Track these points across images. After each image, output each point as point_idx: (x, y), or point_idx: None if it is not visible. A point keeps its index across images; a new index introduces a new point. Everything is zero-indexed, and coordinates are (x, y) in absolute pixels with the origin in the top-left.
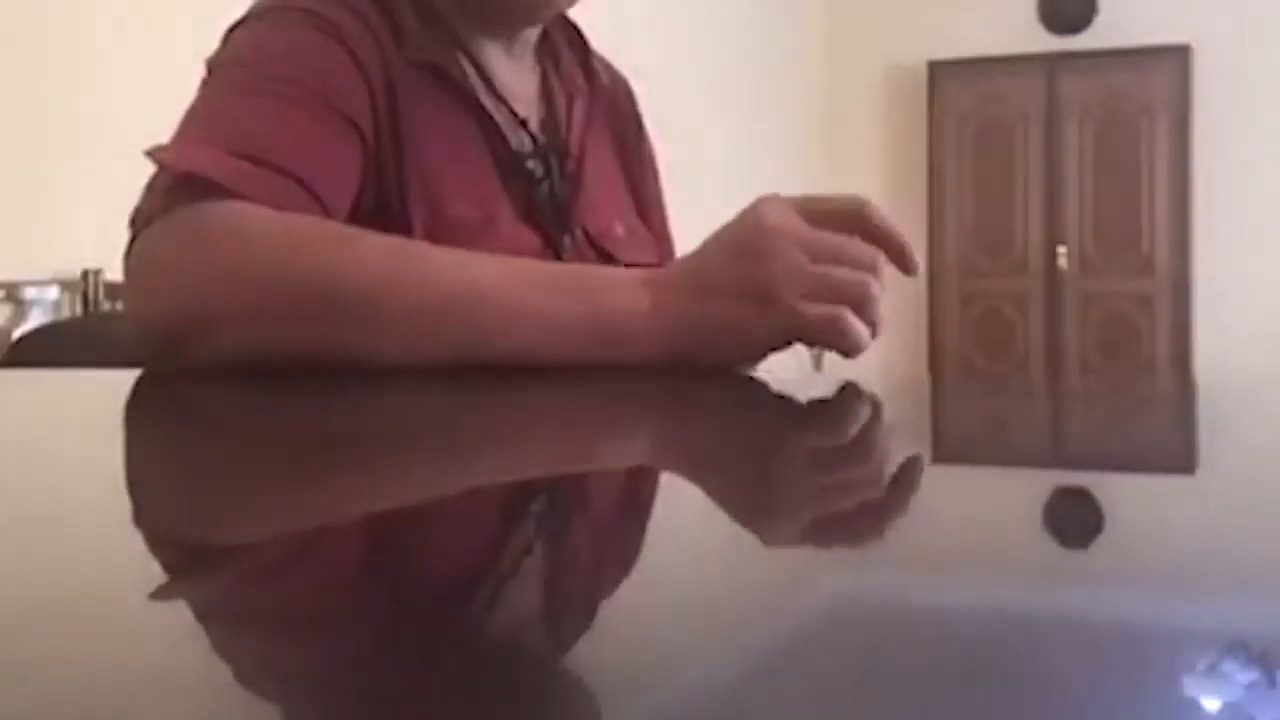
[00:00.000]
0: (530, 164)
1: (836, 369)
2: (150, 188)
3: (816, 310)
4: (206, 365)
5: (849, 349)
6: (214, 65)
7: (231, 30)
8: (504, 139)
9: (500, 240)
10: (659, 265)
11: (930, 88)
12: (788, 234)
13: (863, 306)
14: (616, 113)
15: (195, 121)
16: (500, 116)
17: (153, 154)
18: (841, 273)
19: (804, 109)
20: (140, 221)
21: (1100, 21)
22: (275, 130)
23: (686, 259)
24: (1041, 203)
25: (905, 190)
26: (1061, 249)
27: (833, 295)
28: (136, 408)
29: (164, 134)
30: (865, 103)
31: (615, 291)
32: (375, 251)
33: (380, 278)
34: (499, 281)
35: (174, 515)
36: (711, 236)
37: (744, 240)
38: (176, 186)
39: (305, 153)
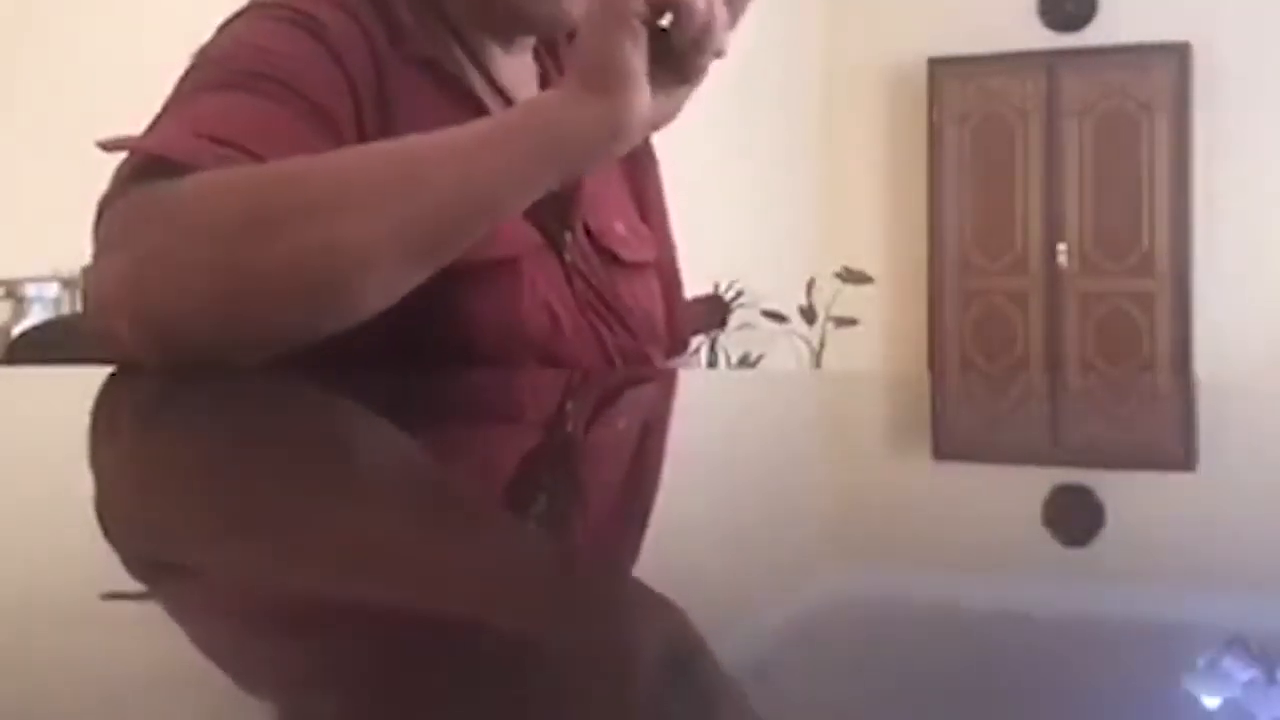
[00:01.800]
0: None
1: (836, 367)
2: (116, 173)
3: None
4: (190, 336)
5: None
6: (195, 60)
7: (223, 26)
8: None
9: (499, 236)
10: (660, 264)
11: (930, 84)
12: None
13: None
14: None
15: (165, 112)
16: (499, 111)
17: (107, 144)
18: None
19: (803, 105)
20: (100, 207)
21: (1100, 19)
22: (242, 118)
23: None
24: (1041, 200)
25: (905, 187)
26: (1061, 247)
27: None
28: (120, 405)
29: None
30: (865, 99)
31: (535, 105)
32: (319, 155)
33: (333, 166)
34: (437, 137)
35: (171, 514)
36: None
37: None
38: (138, 169)
39: (273, 140)
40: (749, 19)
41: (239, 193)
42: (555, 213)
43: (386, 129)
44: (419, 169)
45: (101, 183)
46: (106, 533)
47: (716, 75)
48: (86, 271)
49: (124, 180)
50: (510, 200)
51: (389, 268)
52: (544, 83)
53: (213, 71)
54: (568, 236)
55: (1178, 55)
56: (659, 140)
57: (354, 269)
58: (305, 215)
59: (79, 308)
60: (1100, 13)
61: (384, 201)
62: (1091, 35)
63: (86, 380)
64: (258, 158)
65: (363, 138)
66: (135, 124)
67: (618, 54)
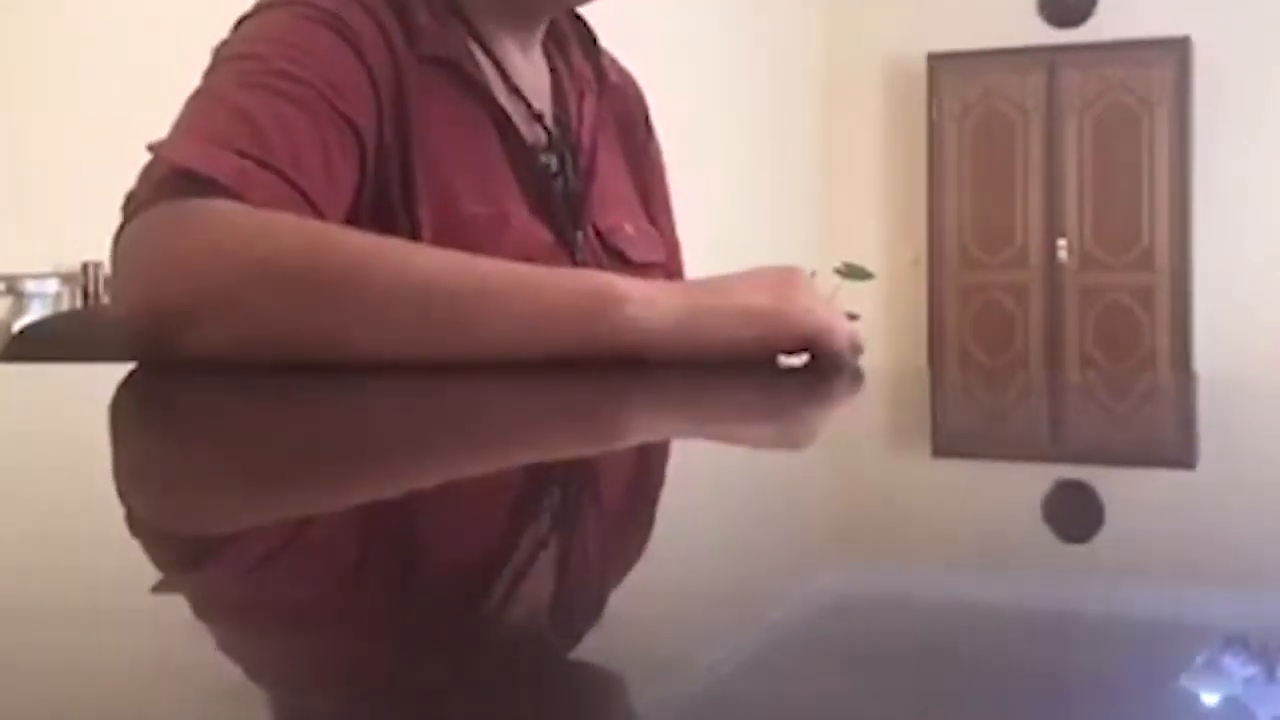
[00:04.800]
0: (545, 158)
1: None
2: (145, 174)
3: (830, 313)
4: (192, 359)
5: (843, 355)
6: (220, 55)
7: (241, 20)
8: (518, 133)
9: (513, 236)
10: (666, 265)
11: (930, 81)
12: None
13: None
14: (625, 111)
15: (196, 114)
16: (515, 110)
17: (154, 148)
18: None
19: (803, 102)
20: (132, 207)
21: (1100, 14)
22: (274, 131)
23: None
24: (1041, 196)
25: (905, 183)
26: (1061, 242)
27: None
28: (124, 403)
29: (163, 127)
30: (865, 96)
31: (600, 281)
32: (360, 241)
33: (364, 264)
34: (487, 269)
35: (171, 511)
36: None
37: (769, 267)
38: (172, 177)
39: (302, 156)
40: (750, 16)
41: (302, 261)
42: (567, 213)
43: (403, 130)
44: (472, 313)
45: (103, 180)
46: (106, 529)
47: (718, 71)
48: (116, 271)
49: (157, 184)
50: (544, 358)
51: (406, 361)
52: (555, 81)
53: (243, 70)
54: (579, 236)
55: (1178, 50)
56: (660, 136)
57: (383, 360)
58: (353, 310)
59: (79, 304)
60: (1100, 8)
61: (426, 329)
62: (1091, 30)
63: (86, 376)
64: (290, 182)
65: (381, 139)
66: (138, 122)
67: (806, 316)
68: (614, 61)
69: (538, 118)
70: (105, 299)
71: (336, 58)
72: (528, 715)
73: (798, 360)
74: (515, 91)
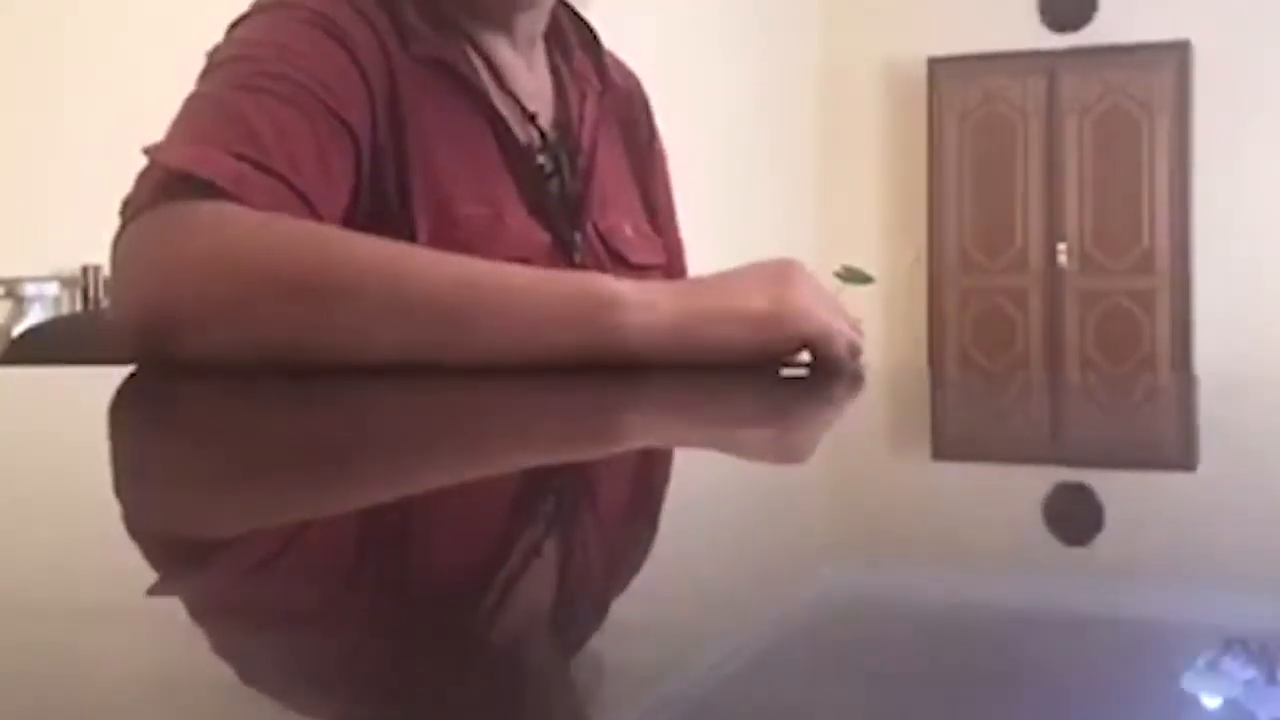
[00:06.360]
0: (540, 159)
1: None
2: (142, 178)
3: (828, 317)
4: (192, 362)
5: (842, 361)
6: (214, 59)
7: (234, 24)
8: (512, 133)
9: (509, 237)
10: (667, 267)
11: (930, 84)
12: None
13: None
14: (628, 112)
15: (191, 116)
16: (508, 111)
17: (150, 152)
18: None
19: (803, 106)
20: (130, 211)
21: (1100, 18)
22: (269, 132)
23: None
24: (1041, 200)
25: (905, 187)
26: (1061, 246)
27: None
28: (123, 406)
29: (161, 130)
30: (865, 99)
31: (606, 285)
32: (359, 245)
33: (363, 267)
34: (484, 273)
35: (169, 513)
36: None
37: (767, 264)
38: (169, 180)
39: (298, 157)
40: (750, 20)
41: (300, 265)
42: (565, 214)
43: (398, 131)
44: (469, 319)
45: (102, 183)
46: (105, 532)
47: (717, 75)
48: (116, 275)
49: (154, 187)
50: (543, 363)
51: (403, 365)
52: (557, 82)
53: (237, 73)
54: (577, 237)
55: (1178, 54)
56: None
57: (380, 365)
58: (351, 316)
59: (79, 307)
60: (1100, 12)
61: (423, 334)
62: (1091, 34)
63: (87, 380)
64: (286, 182)
65: (376, 140)
66: (137, 125)
67: (803, 320)
68: (617, 61)
69: (531, 118)
70: (105, 302)
71: (330, 59)
72: (527, 717)
73: (799, 371)
74: (508, 92)
